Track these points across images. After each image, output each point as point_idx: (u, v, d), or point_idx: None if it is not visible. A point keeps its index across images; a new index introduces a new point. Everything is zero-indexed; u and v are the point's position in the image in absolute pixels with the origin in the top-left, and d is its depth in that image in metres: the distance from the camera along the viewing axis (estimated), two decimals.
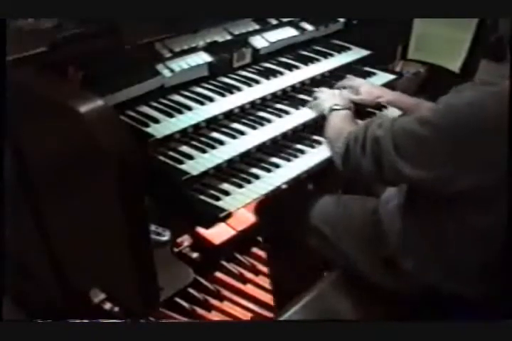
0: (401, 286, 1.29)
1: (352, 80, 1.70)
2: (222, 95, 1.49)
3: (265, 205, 1.59)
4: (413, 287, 1.27)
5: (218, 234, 2.06)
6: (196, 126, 1.39)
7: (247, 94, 1.52)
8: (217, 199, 1.28)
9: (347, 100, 1.52)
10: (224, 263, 2.10)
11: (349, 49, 1.89)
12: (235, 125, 1.47)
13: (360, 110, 1.61)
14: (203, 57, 1.50)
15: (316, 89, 1.64)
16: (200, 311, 1.92)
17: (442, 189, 1.09)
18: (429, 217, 1.20)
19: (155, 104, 1.43)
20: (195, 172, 1.27)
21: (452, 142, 1.01)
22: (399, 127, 1.10)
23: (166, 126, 1.34)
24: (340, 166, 1.23)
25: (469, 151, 1.00)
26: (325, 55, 1.81)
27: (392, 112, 1.65)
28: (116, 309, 1.69)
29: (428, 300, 1.28)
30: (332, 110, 1.44)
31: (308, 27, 1.77)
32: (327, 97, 1.54)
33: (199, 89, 1.52)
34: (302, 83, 1.67)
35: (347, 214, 1.42)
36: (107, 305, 1.68)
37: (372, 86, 1.66)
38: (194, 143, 1.38)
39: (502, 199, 1.02)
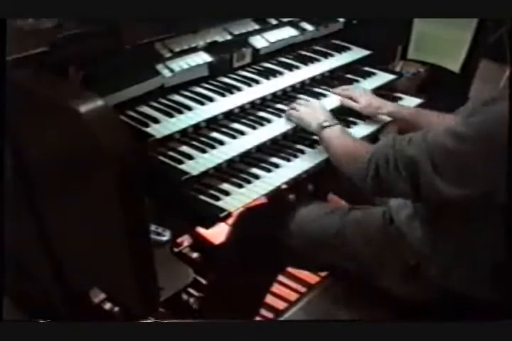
0: (420, 292, 1.28)
1: (351, 90, 1.68)
2: (222, 95, 1.49)
3: (249, 216, 1.54)
4: (433, 292, 1.26)
5: (218, 234, 2.06)
6: (196, 126, 1.39)
7: (247, 94, 1.52)
8: (217, 199, 1.28)
9: (329, 113, 1.46)
10: None
11: (349, 49, 1.89)
12: (235, 125, 1.47)
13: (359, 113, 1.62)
14: (203, 57, 1.50)
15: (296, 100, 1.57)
16: None
17: (480, 205, 1.07)
18: (452, 224, 1.19)
19: (155, 104, 1.42)
20: (195, 172, 1.27)
21: (490, 155, 0.99)
22: (434, 144, 1.05)
23: (166, 126, 1.34)
24: (369, 188, 1.18)
25: (506, 164, 0.97)
26: (325, 55, 1.81)
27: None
28: (116, 309, 1.69)
29: (445, 303, 1.27)
30: (323, 127, 1.37)
31: (308, 27, 1.76)
32: (309, 111, 1.46)
33: (199, 89, 1.52)
34: (302, 83, 1.67)
35: (359, 225, 1.38)
36: (107, 305, 1.68)
37: (372, 97, 1.64)
38: (194, 143, 1.38)
39: None
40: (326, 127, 1.37)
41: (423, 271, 1.26)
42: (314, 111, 1.46)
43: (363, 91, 1.68)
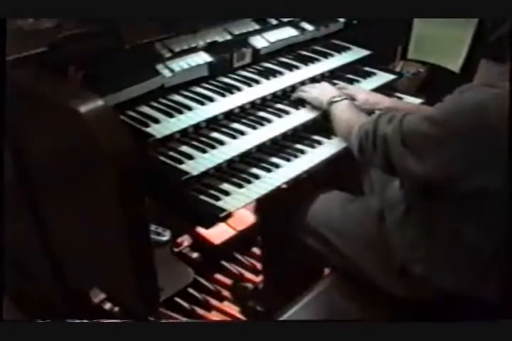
0: (411, 291, 1.29)
1: (347, 88, 1.67)
2: (222, 95, 1.49)
3: (265, 204, 1.58)
4: (424, 291, 1.27)
5: (218, 234, 2.06)
6: (196, 126, 1.39)
7: (247, 94, 1.52)
8: (218, 199, 1.28)
9: (340, 91, 1.55)
10: (224, 263, 2.10)
11: (349, 49, 1.89)
12: (235, 125, 1.47)
13: None
14: (203, 57, 1.50)
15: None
16: (200, 311, 1.92)
17: (450, 188, 1.10)
18: (442, 219, 1.20)
19: (155, 104, 1.42)
20: (195, 172, 1.27)
21: (457, 140, 1.03)
22: (407, 125, 1.12)
23: (166, 126, 1.34)
24: (358, 159, 1.29)
25: (473, 150, 1.02)
26: (325, 55, 1.81)
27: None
28: (116, 309, 1.69)
29: (437, 302, 1.28)
30: (331, 103, 1.46)
31: (308, 27, 1.76)
32: (319, 91, 1.55)
33: (199, 89, 1.52)
34: (302, 83, 1.66)
35: (352, 219, 1.41)
36: (107, 305, 1.69)
37: (369, 93, 1.64)
38: (194, 143, 1.38)
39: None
40: (334, 102, 1.45)
41: (410, 271, 1.27)
42: (324, 89, 1.55)
43: (358, 89, 1.68)
